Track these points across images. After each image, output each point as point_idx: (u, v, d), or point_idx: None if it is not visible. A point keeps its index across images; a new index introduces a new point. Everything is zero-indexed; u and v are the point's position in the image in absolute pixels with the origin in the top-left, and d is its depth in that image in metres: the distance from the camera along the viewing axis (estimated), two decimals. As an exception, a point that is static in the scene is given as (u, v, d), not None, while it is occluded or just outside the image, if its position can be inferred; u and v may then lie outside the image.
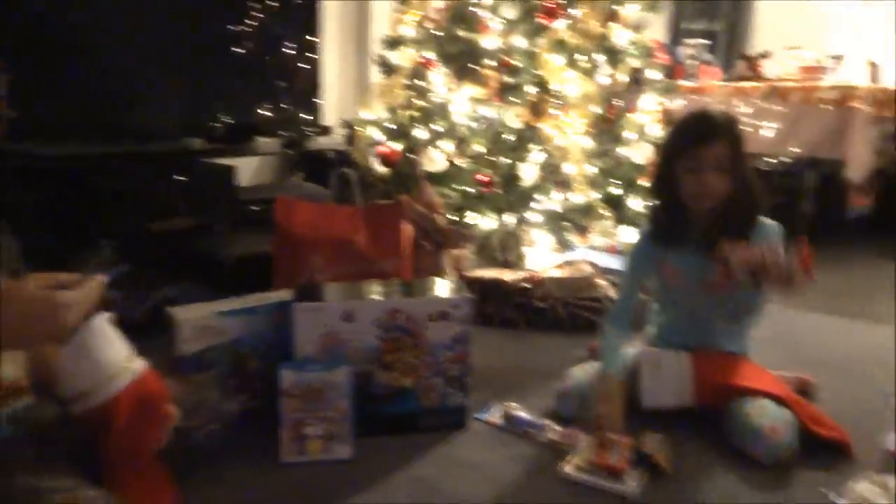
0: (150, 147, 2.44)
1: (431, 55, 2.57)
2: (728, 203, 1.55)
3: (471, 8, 2.51)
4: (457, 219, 2.28)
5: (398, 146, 2.56)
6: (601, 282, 2.24)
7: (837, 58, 4.09)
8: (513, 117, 2.39)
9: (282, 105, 2.94)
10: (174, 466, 1.25)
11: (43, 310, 0.92)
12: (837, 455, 1.47)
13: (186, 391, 1.31)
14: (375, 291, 1.61)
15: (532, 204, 2.30)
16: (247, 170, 3.04)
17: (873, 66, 3.94)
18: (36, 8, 2.14)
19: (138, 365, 1.10)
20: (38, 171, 2.05)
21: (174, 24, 2.56)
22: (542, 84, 2.38)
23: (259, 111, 2.88)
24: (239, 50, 2.80)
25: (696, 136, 1.56)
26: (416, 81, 2.56)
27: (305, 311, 1.46)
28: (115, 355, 1.10)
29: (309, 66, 2.98)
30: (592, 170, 2.36)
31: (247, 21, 2.81)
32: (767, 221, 1.59)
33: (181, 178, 2.37)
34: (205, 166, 2.53)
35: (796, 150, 3.33)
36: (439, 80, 2.54)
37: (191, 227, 2.33)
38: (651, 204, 1.69)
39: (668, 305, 1.74)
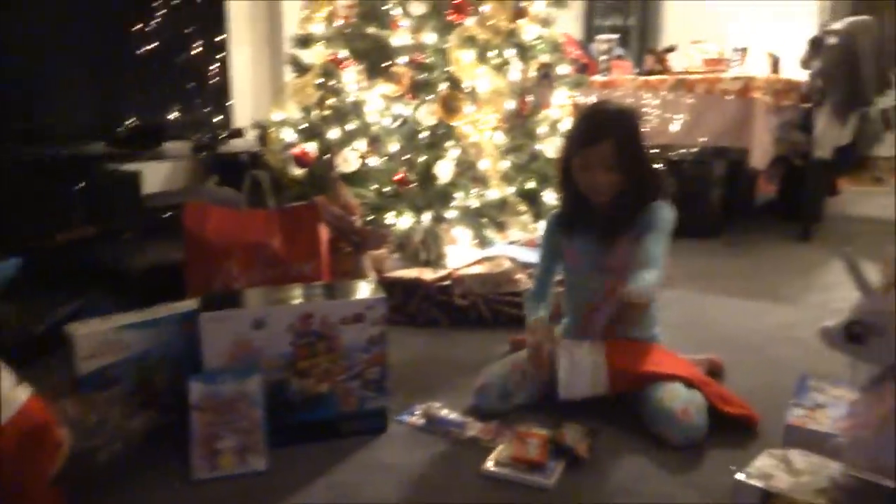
0: (50, 152, 2.31)
1: (342, 53, 2.53)
2: (622, 196, 1.61)
3: (380, 4, 2.48)
4: (374, 219, 2.26)
5: (312, 147, 2.51)
6: (521, 276, 2.27)
7: (741, 50, 4.28)
8: (427, 115, 2.38)
9: (191, 107, 2.85)
10: (75, 490, 1.19)
11: None
12: (747, 433, 1.53)
13: (85, 411, 1.25)
14: (292, 296, 1.57)
15: (450, 201, 2.29)
16: (156, 175, 2.92)
17: (773, 57, 4.14)
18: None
19: (21, 395, 1.03)
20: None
21: (75, 22, 2.43)
22: (454, 81, 2.38)
23: (167, 114, 2.77)
24: (144, 50, 2.69)
25: (583, 137, 1.63)
26: (328, 80, 2.52)
27: (213, 321, 1.41)
28: None
29: (218, 67, 2.89)
30: (507, 165, 2.38)
31: (151, 21, 2.70)
32: (660, 205, 1.63)
33: (83, 184, 2.25)
34: (109, 172, 2.41)
35: (703, 139, 3.45)
36: (352, 78, 2.50)
37: (95, 237, 2.22)
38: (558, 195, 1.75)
39: (575, 293, 1.78)
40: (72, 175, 2.24)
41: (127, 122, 2.64)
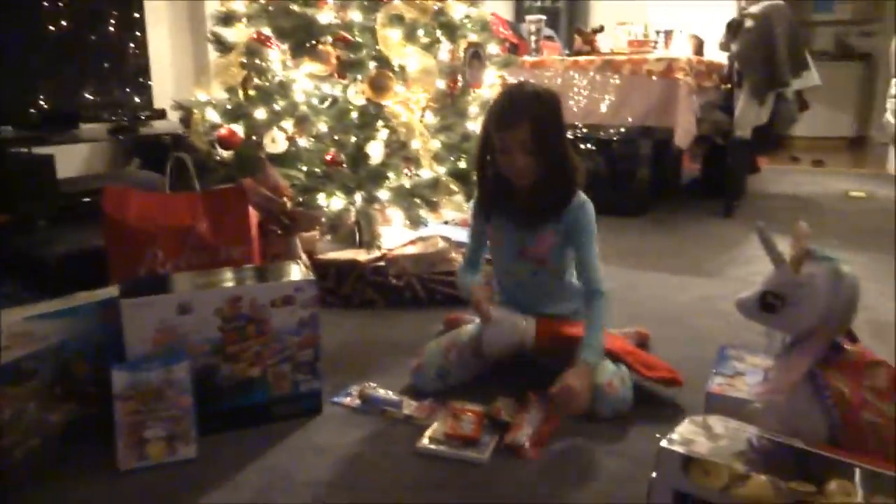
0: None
1: (266, 31, 2.46)
2: (541, 180, 1.61)
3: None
4: (305, 201, 2.21)
5: (238, 128, 2.44)
6: (455, 255, 2.27)
7: (665, 33, 4.38)
8: (356, 95, 2.35)
9: (108, 88, 2.72)
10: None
11: None
12: (672, 404, 1.59)
13: (5, 404, 1.18)
14: (225, 280, 1.53)
15: (382, 182, 2.27)
16: (72, 159, 2.79)
17: (696, 40, 4.26)
18: None
19: None
20: None
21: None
22: (382, 60, 2.35)
23: (82, 95, 2.64)
24: (55, 28, 2.55)
25: (499, 121, 1.60)
26: (252, 59, 2.45)
27: (135, 307, 1.36)
28: None
29: (135, 45, 2.77)
30: (438, 145, 2.37)
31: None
32: (581, 199, 1.65)
33: (-9, 170, 2.13)
34: (18, 157, 2.28)
35: (630, 119, 3.53)
36: (277, 57, 2.44)
37: (7, 224, 2.10)
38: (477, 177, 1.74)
39: (503, 275, 1.80)
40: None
41: (38, 104, 2.50)
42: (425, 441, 1.41)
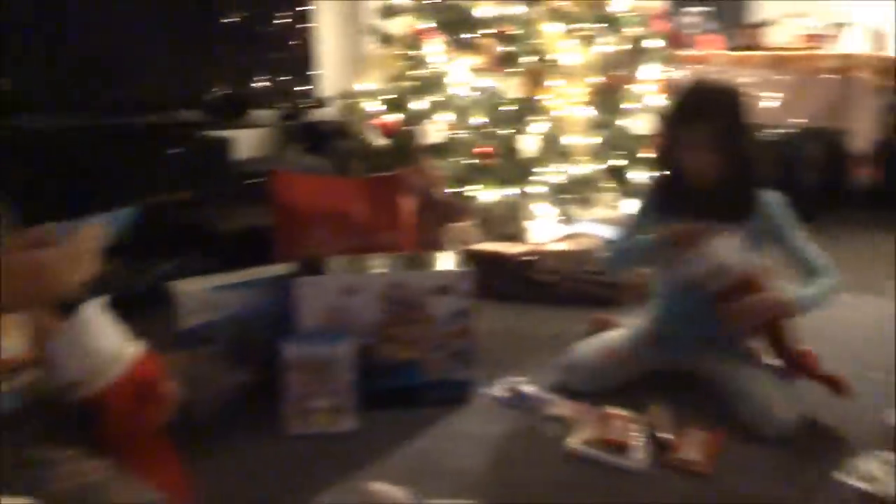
0: (146, 119, 2.39)
1: (427, 24, 2.52)
2: (725, 179, 1.53)
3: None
4: (457, 191, 2.25)
5: (397, 118, 2.53)
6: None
7: (840, 26, 4.03)
8: (512, 87, 2.35)
9: (278, 76, 2.89)
10: (178, 440, 1.24)
11: (26, 272, 0.87)
12: (838, 433, 1.47)
13: (188, 366, 1.30)
14: (378, 265, 1.60)
15: (534, 176, 2.27)
16: (245, 142, 3.00)
17: (877, 34, 3.89)
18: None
19: (133, 350, 1.08)
20: (32, 144, 2.01)
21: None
22: (540, 53, 2.34)
23: (255, 83, 2.83)
24: (230, 20, 2.74)
25: (690, 113, 1.53)
26: (412, 51, 2.52)
27: (308, 285, 1.44)
28: (108, 344, 1.06)
29: (303, 36, 2.92)
30: (593, 141, 2.33)
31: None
32: (770, 194, 1.57)
33: (178, 150, 2.32)
34: (202, 139, 2.48)
35: (799, 120, 3.29)
36: (436, 49, 2.49)
37: (189, 201, 2.29)
38: (655, 173, 1.67)
39: (669, 277, 1.72)
40: (168, 141, 2.31)
41: (216, 91, 2.70)
42: (575, 442, 1.40)
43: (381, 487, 1.22)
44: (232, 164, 2.49)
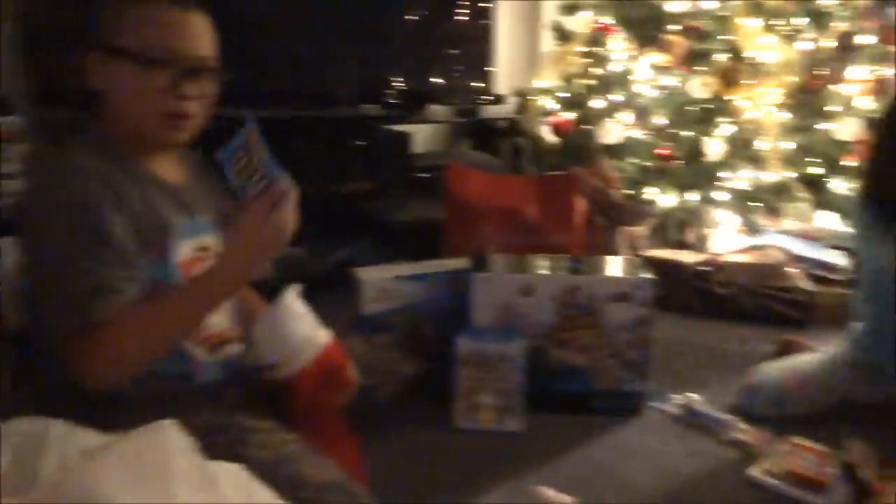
0: (332, 113, 2.53)
1: (610, 20, 2.45)
2: None
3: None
4: (633, 194, 2.17)
5: (571, 116, 2.48)
6: (793, 270, 2.05)
7: None
8: (699, 87, 2.22)
9: (454, 73, 2.94)
10: (356, 422, 1.30)
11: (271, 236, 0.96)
12: None
13: (367, 351, 1.35)
14: (547, 265, 1.57)
15: (717, 181, 2.13)
16: (418, 137, 3.08)
17: None
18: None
19: (323, 337, 1.12)
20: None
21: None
22: (734, 51, 2.19)
23: (433, 79, 2.90)
24: (415, 18, 2.82)
25: None
26: (593, 48, 2.45)
27: (484, 282, 1.45)
28: (303, 330, 1.11)
29: (483, 33, 2.95)
30: (789, 146, 2.15)
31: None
32: None
33: (361, 142, 2.43)
34: (383, 132, 2.59)
35: None
36: (619, 46, 2.41)
37: (367, 191, 2.40)
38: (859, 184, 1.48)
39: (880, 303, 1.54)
40: (351, 134, 2.43)
41: (397, 86, 2.79)
42: (760, 472, 1.29)
43: (549, 492, 1.20)
44: (408, 158, 2.57)
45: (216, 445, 0.92)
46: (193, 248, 1.07)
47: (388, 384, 1.36)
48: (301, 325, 1.12)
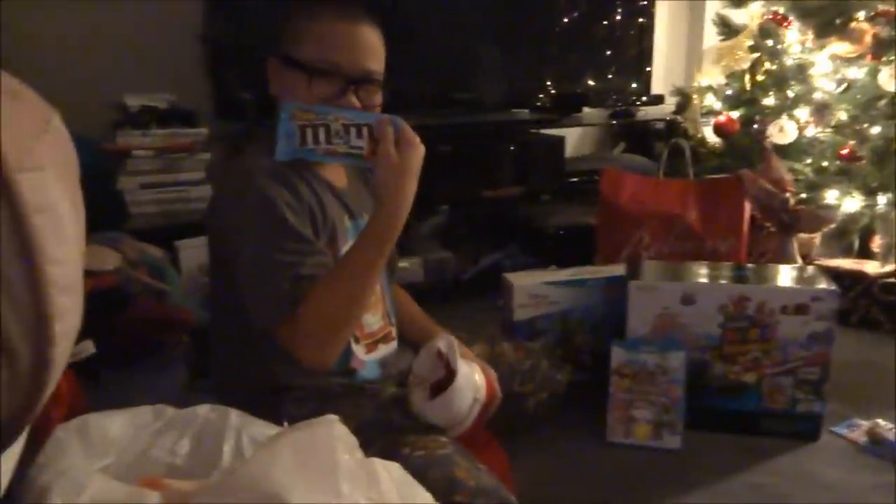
0: (484, 117, 2.54)
1: (785, 9, 2.26)
2: None
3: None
4: (810, 198, 1.98)
5: (735, 115, 2.32)
6: None
7: None
8: (889, 79, 1.99)
9: (609, 74, 2.86)
10: (505, 429, 1.28)
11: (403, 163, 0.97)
12: None
13: (520, 358, 1.33)
14: (703, 273, 1.47)
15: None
16: (570, 140, 3.03)
17: None
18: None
19: (482, 389, 1.07)
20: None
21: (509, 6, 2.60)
22: (935, 37, 1.94)
23: (587, 81, 2.83)
24: (567, 19, 2.77)
25: None
26: (765, 41, 2.27)
27: (642, 290, 1.38)
28: (467, 400, 1.05)
29: (641, 33, 2.84)
30: None
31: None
32: None
33: (513, 147, 2.42)
34: (536, 137, 2.57)
35: None
36: (795, 38, 2.22)
37: (519, 196, 2.39)
38: None
39: None
40: (503, 139, 2.43)
41: (549, 90, 2.75)
42: (967, 514, 1.13)
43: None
44: (561, 162, 2.53)
45: (373, 443, 0.95)
46: None
47: (540, 392, 1.34)
48: (465, 400, 1.05)
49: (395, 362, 1.17)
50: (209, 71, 2.14)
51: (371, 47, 1.06)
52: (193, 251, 1.71)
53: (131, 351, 1.45)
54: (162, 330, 1.50)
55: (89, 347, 0.86)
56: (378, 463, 0.59)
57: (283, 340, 0.97)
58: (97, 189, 1.87)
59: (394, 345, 1.16)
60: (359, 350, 1.10)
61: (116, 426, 0.60)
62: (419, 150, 0.98)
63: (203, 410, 0.65)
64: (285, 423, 0.67)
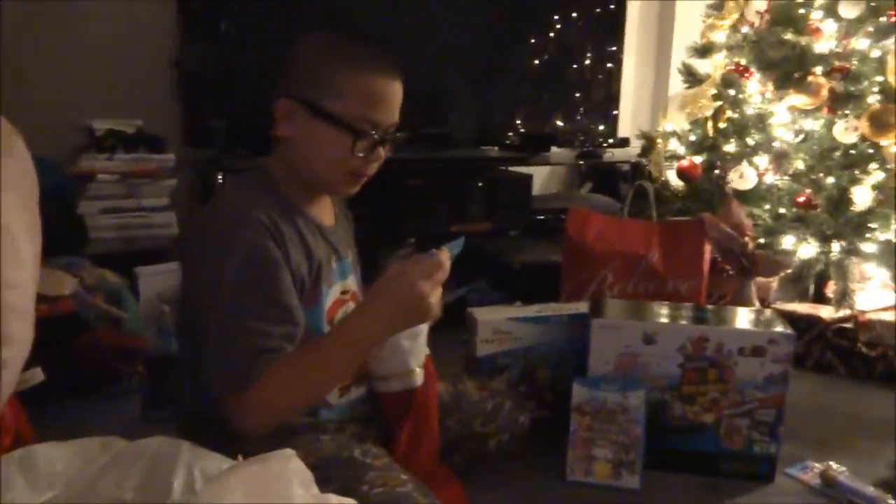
0: (453, 154, 2.57)
1: (747, 61, 2.35)
2: None
3: (799, 8, 2.23)
4: (767, 243, 2.04)
5: (700, 160, 2.38)
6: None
7: None
8: (844, 131, 2.07)
9: (577, 116, 2.92)
10: (465, 467, 1.28)
11: (416, 303, 0.94)
12: None
13: (484, 396, 1.33)
14: (664, 314, 1.49)
15: (865, 232, 1.96)
16: (538, 179, 3.08)
17: None
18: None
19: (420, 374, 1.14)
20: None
21: (476, 45, 2.66)
22: (887, 93, 2.03)
23: (556, 121, 2.89)
24: (538, 60, 2.83)
25: None
26: (727, 91, 2.35)
27: (604, 328, 1.39)
28: (420, 353, 1.15)
29: (608, 77, 2.91)
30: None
31: (548, 32, 2.83)
32: None
33: (482, 183, 2.45)
34: (505, 174, 2.60)
35: None
36: (755, 88, 2.30)
37: (486, 232, 2.41)
38: None
39: None
40: (472, 175, 2.46)
41: (518, 128, 2.80)
42: (917, 559, 1.15)
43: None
44: (529, 200, 2.56)
45: (333, 479, 0.94)
46: (338, 290, 1.10)
47: (501, 434, 1.33)
48: (420, 348, 1.13)
49: (364, 402, 1.15)
50: (180, 97, 2.14)
51: (400, 101, 1.04)
52: (153, 278, 1.68)
53: (85, 379, 1.42)
54: (117, 358, 1.46)
55: (38, 375, 0.84)
56: (334, 499, 0.59)
57: (224, 405, 0.94)
58: (58, 212, 1.85)
59: (366, 386, 1.15)
60: (331, 394, 1.08)
61: (62, 458, 0.59)
62: (429, 298, 0.94)
63: (154, 443, 0.63)
64: (240, 457, 0.65)
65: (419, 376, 1.14)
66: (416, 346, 1.13)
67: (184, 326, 1.12)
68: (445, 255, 0.97)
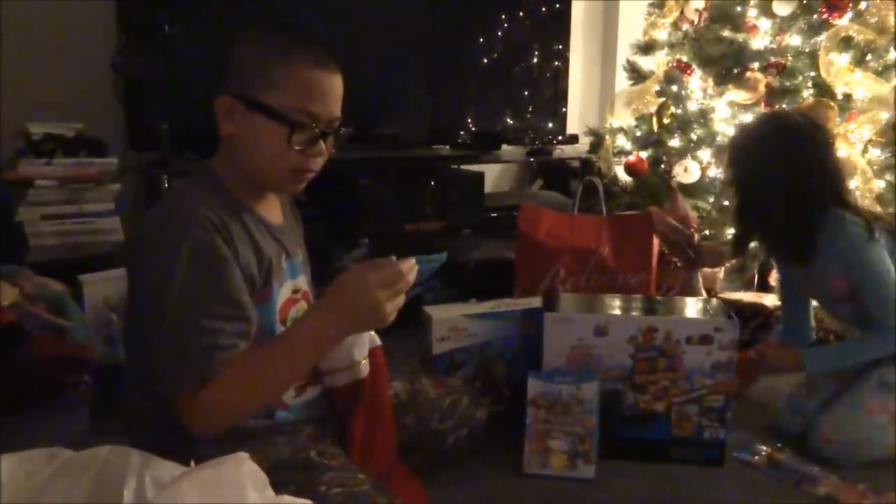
0: (405, 153, 2.57)
1: (688, 58, 2.41)
2: None
3: (735, 6, 2.30)
4: (712, 235, 2.10)
5: (644, 155, 2.44)
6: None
7: None
8: (782, 125, 2.15)
9: (526, 113, 2.95)
10: (423, 465, 1.28)
11: (371, 310, 0.93)
12: None
13: (441, 393, 1.33)
14: (616, 306, 1.53)
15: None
16: (490, 176, 3.10)
17: None
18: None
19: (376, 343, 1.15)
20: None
21: (422, 44, 2.67)
22: (822, 88, 2.11)
23: (505, 120, 2.91)
24: (487, 60, 2.86)
25: None
26: (670, 87, 2.41)
27: (557, 322, 1.42)
28: (363, 346, 1.14)
29: (556, 75, 2.96)
30: (881, 185, 2.04)
31: (496, 32, 2.86)
32: None
33: (434, 182, 2.46)
34: (457, 173, 2.61)
35: None
36: (697, 85, 2.37)
37: (439, 230, 2.41)
38: None
39: None
40: (424, 174, 2.46)
41: (469, 127, 2.82)
42: (857, 532, 1.20)
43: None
44: (481, 198, 2.58)
45: (288, 482, 0.93)
46: (289, 289, 1.09)
47: (459, 430, 1.34)
48: (363, 343, 1.13)
49: (320, 403, 1.15)
50: (122, 99, 2.08)
51: (340, 95, 1.03)
52: (99, 285, 1.64)
53: (28, 392, 1.37)
54: (62, 369, 1.42)
55: (-22, 388, 0.81)
56: (289, 501, 0.58)
57: (177, 406, 0.93)
58: (-4, 220, 1.78)
59: (322, 385, 1.14)
60: (287, 394, 1.07)
61: (5, 470, 0.57)
62: (385, 307, 0.93)
63: (103, 452, 0.62)
64: (192, 463, 0.64)
65: (365, 367, 1.13)
66: (359, 339, 1.12)
67: (132, 332, 1.09)
68: (409, 266, 0.96)
